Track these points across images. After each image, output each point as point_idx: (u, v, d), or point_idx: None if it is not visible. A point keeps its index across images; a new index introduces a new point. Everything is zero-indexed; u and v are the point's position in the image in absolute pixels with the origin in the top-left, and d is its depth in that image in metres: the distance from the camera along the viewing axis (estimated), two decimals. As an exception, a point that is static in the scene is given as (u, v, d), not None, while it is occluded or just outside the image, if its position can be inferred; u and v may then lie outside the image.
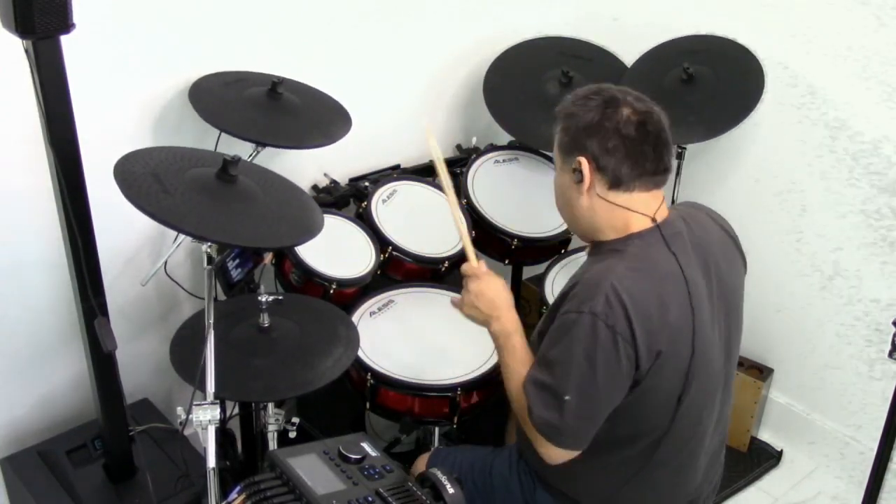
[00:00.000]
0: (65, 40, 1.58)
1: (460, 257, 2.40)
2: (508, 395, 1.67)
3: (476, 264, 1.75)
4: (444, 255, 2.39)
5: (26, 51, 1.57)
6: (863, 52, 2.35)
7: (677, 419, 1.59)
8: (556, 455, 1.58)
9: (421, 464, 1.92)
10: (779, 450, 2.77)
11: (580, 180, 1.56)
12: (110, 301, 1.90)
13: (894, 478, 2.24)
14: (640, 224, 1.58)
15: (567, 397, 1.50)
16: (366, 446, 1.43)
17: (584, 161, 1.54)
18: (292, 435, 1.94)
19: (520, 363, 1.64)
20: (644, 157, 1.53)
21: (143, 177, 1.63)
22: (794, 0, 2.46)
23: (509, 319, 1.68)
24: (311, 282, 2.17)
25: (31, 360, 2.22)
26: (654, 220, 1.57)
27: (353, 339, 1.98)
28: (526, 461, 1.78)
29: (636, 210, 1.57)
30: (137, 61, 2.11)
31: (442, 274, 2.40)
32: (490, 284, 1.70)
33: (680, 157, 2.54)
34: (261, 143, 2.11)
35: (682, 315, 1.53)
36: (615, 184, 1.55)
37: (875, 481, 1.91)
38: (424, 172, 2.70)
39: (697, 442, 1.67)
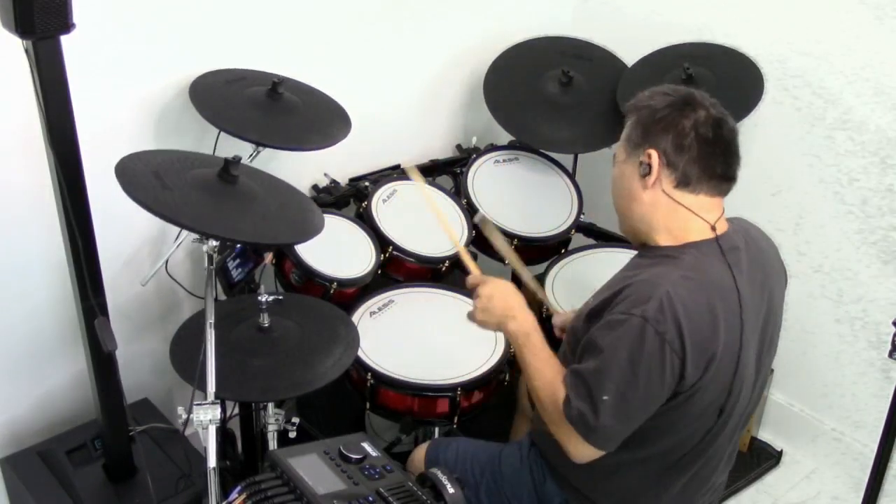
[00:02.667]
0: (65, 40, 1.58)
1: (460, 258, 2.40)
2: (533, 393, 1.63)
3: (478, 273, 1.74)
4: (444, 254, 2.39)
5: (26, 51, 1.57)
6: (863, 52, 2.35)
7: (712, 432, 1.58)
8: (585, 453, 1.54)
9: (419, 455, 1.91)
10: (779, 450, 2.77)
11: (646, 173, 1.54)
12: (110, 301, 1.90)
13: (894, 478, 2.24)
14: (698, 233, 1.55)
15: (605, 397, 1.46)
16: (366, 446, 1.43)
17: (654, 154, 1.53)
18: (292, 435, 1.94)
19: (543, 361, 1.61)
20: (715, 161, 1.53)
21: (144, 174, 1.63)
22: (795, 0, 2.46)
23: (525, 318, 1.65)
24: (312, 282, 2.17)
25: (31, 360, 2.22)
26: (713, 228, 1.55)
27: (353, 339, 1.98)
28: (540, 451, 1.77)
29: (699, 214, 1.54)
30: (137, 60, 2.11)
31: (442, 274, 2.40)
32: (499, 286, 1.68)
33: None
34: (260, 144, 2.11)
35: (731, 330, 1.51)
36: (683, 183, 1.53)
37: (875, 481, 1.90)
38: (424, 172, 2.69)
39: (721, 450, 1.67)
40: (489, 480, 1.80)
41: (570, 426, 1.51)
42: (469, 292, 2.31)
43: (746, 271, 1.57)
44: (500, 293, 1.67)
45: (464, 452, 1.86)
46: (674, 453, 1.60)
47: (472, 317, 1.72)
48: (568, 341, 1.66)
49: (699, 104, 1.53)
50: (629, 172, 1.57)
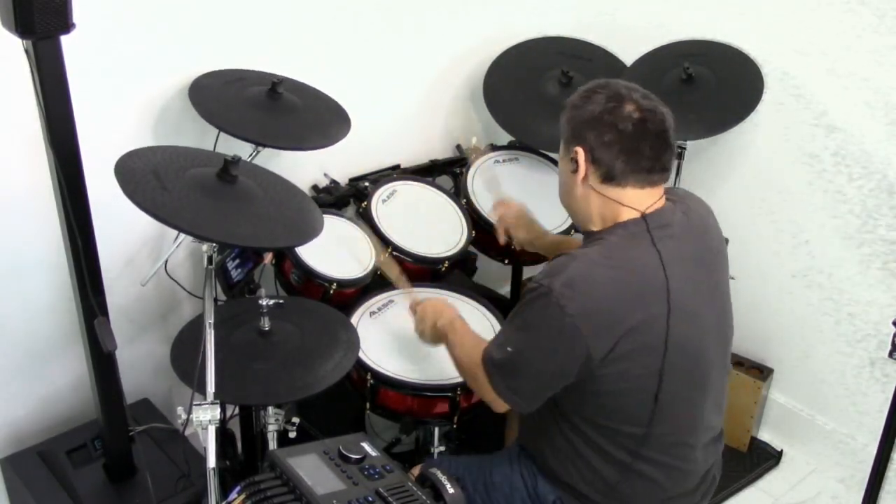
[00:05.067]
0: (65, 40, 1.58)
1: (460, 257, 2.41)
2: (456, 363, 1.82)
3: (413, 296, 2.03)
4: (444, 255, 2.39)
5: (26, 51, 1.57)
6: (863, 53, 2.35)
7: (658, 416, 1.59)
8: (492, 398, 1.66)
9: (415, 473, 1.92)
10: (779, 450, 2.77)
11: (575, 170, 1.60)
12: (110, 301, 1.90)
13: (895, 478, 2.24)
14: (628, 216, 1.60)
15: (509, 348, 1.61)
16: (366, 446, 1.43)
17: (580, 151, 1.58)
18: (292, 435, 1.94)
19: (468, 337, 1.80)
20: (639, 155, 1.55)
21: (143, 174, 1.63)
22: (794, 1, 2.46)
23: (450, 313, 1.88)
24: (312, 282, 2.17)
25: (32, 360, 2.22)
26: (643, 214, 1.59)
27: (353, 343, 1.98)
28: (528, 454, 1.79)
29: (626, 204, 1.59)
30: (137, 61, 2.11)
31: (442, 274, 2.40)
32: (430, 301, 1.95)
33: (680, 156, 2.54)
34: (260, 144, 2.11)
35: (654, 311, 1.54)
36: (607, 178, 1.58)
37: (875, 481, 1.90)
38: (424, 172, 2.70)
39: (691, 436, 1.67)
40: (482, 492, 1.81)
41: (483, 371, 1.66)
42: (468, 293, 2.34)
43: (685, 246, 1.60)
44: (429, 306, 1.93)
45: (454, 468, 1.87)
46: (629, 438, 1.62)
47: (419, 335, 1.96)
48: None
49: (627, 99, 1.55)
50: (563, 167, 1.65)
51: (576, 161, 1.59)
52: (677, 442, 1.65)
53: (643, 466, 1.64)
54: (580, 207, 1.65)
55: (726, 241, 1.77)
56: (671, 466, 1.67)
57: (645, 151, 1.55)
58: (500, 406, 1.67)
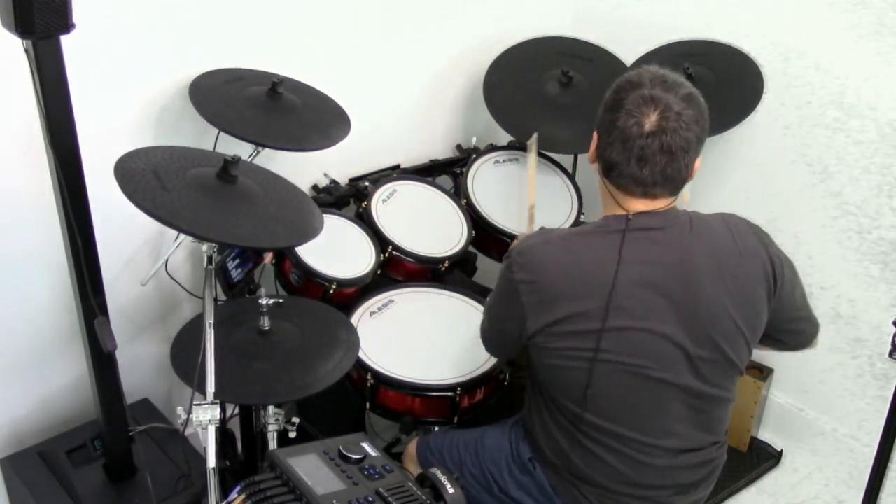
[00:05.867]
0: (65, 40, 1.58)
1: (460, 257, 2.41)
2: None
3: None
4: (444, 254, 2.39)
5: (26, 51, 1.57)
6: (863, 53, 2.35)
7: (590, 403, 1.63)
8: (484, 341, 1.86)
9: (411, 448, 1.99)
10: (779, 450, 2.77)
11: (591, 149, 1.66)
12: (110, 301, 1.90)
13: (895, 478, 2.24)
14: (616, 211, 1.64)
15: (487, 303, 1.82)
16: (366, 446, 1.43)
17: (595, 136, 1.64)
18: (292, 435, 1.94)
19: None
20: (631, 165, 1.56)
21: (143, 173, 1.63)
22: (794, 1, 2.46)
23: None
24: (312, 282, 2.17)
25: (31, 360, 2.22)
26: (628, 217, 1.61)
27: (353, 343, 1.98)
28: (519, 425, 1.87)
29: (619, 202, 1.62)
30: (137, 60, 2.11)
31: (442, 274, 2.40)
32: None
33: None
34: (260, 144, 2.11)
35: (592, 304, 1.57)
36: (605, 172, 1.63)
37: (875, 481, 1.90)
38: (424, 172, 2.70)
39: (636, 433, 1.65)
40: (472, 455, 1.88)
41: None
42: (468, 293, 2.34)
43: (658, 254, 1.59)
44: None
45: (452, 437, 1.95)
46: (566, 411, 1.68)
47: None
48: None
49: (650, 107, 1.53)
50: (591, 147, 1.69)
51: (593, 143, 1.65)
52: (620, 434, 1.66)
53: (587, 443, 1.68)
54: (600, 187, 1.69)
55: (774, 281, 1.67)
56: (619, 452, 1.67)
57: (639, 166, 1.55)
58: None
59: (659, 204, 1.61)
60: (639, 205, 1.61)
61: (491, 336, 1.83)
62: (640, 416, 1.66)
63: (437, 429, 2.18)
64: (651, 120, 1.53)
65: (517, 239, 2.02)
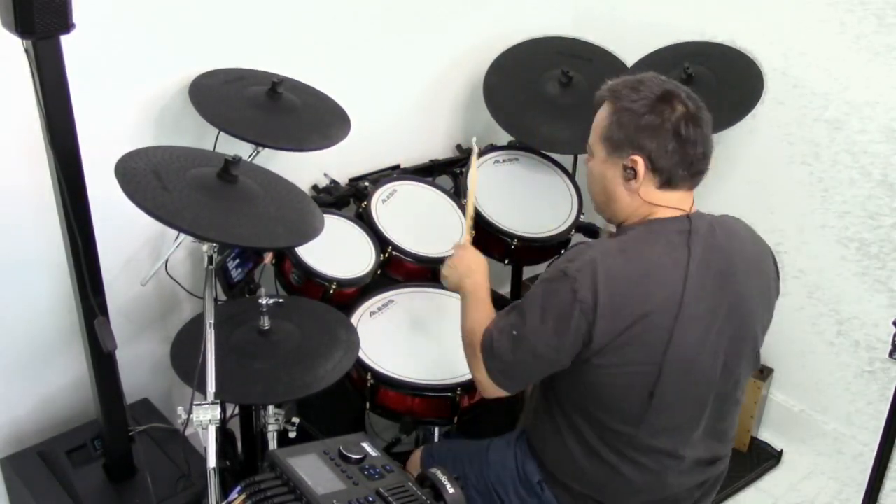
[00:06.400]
0: (65, 40, 1.58)
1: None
2: (462, 333, 1.78)
3: (467, 240, 1.96)
4: (444, 254, 2.37)
5: (26, 51, 1.57)
6: (863, 52, 2.35)
7: (650, 413, 1.59)
8: (485, 383, 1.67)
9: (415, 457, 1.95)
10: (779, 450, 2.77)
11: (631, 178, 1.57)
12: (110, 301, 1.90)
13: (895, 477, 2.24)
14: (666, 214, 1.59)
15: (514, 332, 1.60)
16: (366, 446, 1.43)
17: (639, 161, 1.55)
18: (292, 435, 1.94)
19: (480, 310, 1.76)
20: (694, 157, 1.54)
21: (144, 173, 1.63)
22: (794, 1, 2.46)
23: (481, 282, 1.82)
24: (312, 282, 2.17)
25: (31, 360, 2.22)
26: (688, 214, 1.58)
27: (353, 342, 1.98)
28: (526, 436, 1.82)
29: (672, 206, 1.58)
30: (137, 60, 2.11)
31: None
32: (472, 255, 1.89)
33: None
34: (260, 144, 2.11)
35: (662, 308, 1.53)
36: (666, 183, 1.56)
37: (875, 481, 1.91)
38: (424, 172, 2.70)
39: (681, 447, 1.65)
40: (476, 470, 1.84)
41: (482, 353, 1.66)
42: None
43: (706, 257, 1.57)
44: (469, 258, 1.88)
45: (456, 447, 1.92)
46: (613, 433, 1.62)
47: (442, 275, 1.92)
48: None
49: (677, 100, 1.53)
50: (611, 175, 1.60)
51: (633, 169, 1.55)
52: (661, 449, 1.64)
53: (621, 462, 1.65)
54: (619, 208, 1.63)
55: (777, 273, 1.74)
56: (649, 469, 1.66)
57: (699, 154, 1.54)
58: (487, 389, 1.69)
59: (689, 199, 1.61)
60: (687, 200, 1.59)
61: (512, 365, 1.63)
62: (686, 427, 1.65)
63: (437, 437, 2.19)
64: (685, 109, 1.53)
65: (455, 249, 1.93)
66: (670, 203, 1.58)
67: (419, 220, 2.45)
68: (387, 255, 2.32)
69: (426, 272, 2.38)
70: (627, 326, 1.52)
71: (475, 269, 1.84)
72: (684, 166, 1.54)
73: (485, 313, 1.75)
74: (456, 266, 1.87)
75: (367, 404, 2.13)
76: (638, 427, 1.60)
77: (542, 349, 1.57)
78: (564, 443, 1.69)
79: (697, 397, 1.63)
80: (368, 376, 2.08)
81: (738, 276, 1.61)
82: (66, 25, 1.54)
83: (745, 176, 2.72)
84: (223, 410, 1.67)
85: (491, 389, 1.67)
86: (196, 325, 1.93)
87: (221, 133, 2.14)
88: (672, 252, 1.55)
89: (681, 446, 1.66)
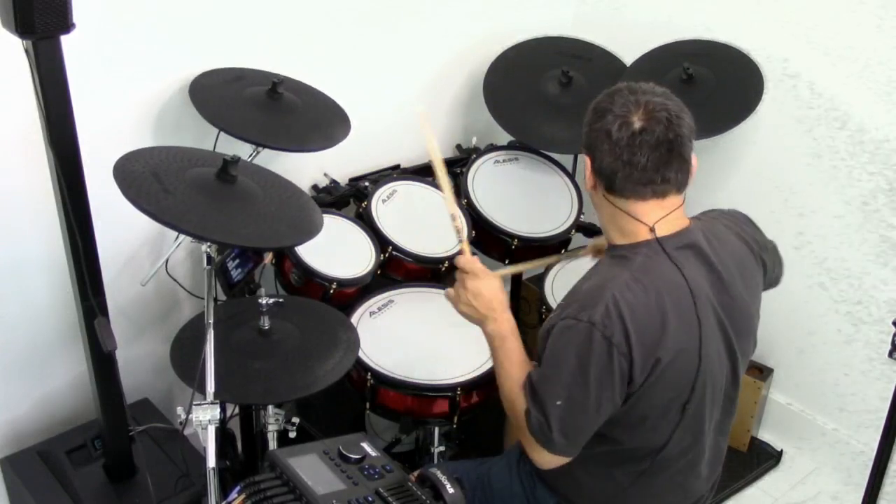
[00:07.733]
0: (65, 40, 1.58)
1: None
2: (502, 396, 1.66)
3: (470, 258, 1.71)
4: (444, 254, 2.39)
5: (26, 51, 1.57)
6: (863, 52, 2.35)
7: (680, 428, 1.58)
8: (547, 460, 1.58)
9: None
10: (779, 450, 2.77)
11: (586, 177, 1.58)
12: (110, 301, 1.90)
13: (895, 477, 2.24)
14: (645, 233, 1.54)
15: (558, 402, 1.50)
16: (366, 446, 1.43)
17: (587, 159, 1.56)
18: (292, 435, 1.95)
19: (516, 366, 1.63)
20: (632, 167, 1.49)
21: (143, 176, 1.63)
22: (794, 1, 2.46)
23: (505, 321, 1.66)
24: (312, 282, 2.17)
25: (31, 359, 2.22)
26: (651, 229, 1.54)
27: (353, 342, 1.98)
28: (527, 461, 1.77)
29: (633, 216, 1.54)
30: (137, 60, 2.11)
31: (442, 274, 2.40)
32: (488, 284, 1.67)
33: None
34: (260, 144, 2.11)
35: (686, 327, 1.52)
36: (608, 188, 1.54)
37: (875, 481, 1.90)
38: (424, 172, 2.69)
39: (699, 450, 1.66)
40: (480, 498, 1.80)
41: (532, 436, 1.55)
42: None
43: (701, 267, 1.56)
44: (487, 292, 1.66)
45: (457, 471, 1.85)
46: (642, 451, 1.61)
47: (451, 300, 1.72)
48: (542, 347, 1.62)
49: (634, 108, 1.49)
50: (586, 175, 1.60)
51: (586, 169, 1.57)
52: (687, 460, 1.65)
53: (646, 482, 1.64)
54: (600, 217, 1.62)
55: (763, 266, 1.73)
56: (675, 482, 1.67)
57: (641, 163, 1.49)
58: (550, 463, 1.59)
59: (672, 204, 1.55)
60: (654, 210, 1.53)
61: (574, 436, 1.54)
62: (704, 433, 1.65)
63: (437, 437, 2.18)
64: (638, 115, 1.49)
65: (458, 257, 1.72)
66: (628, 210, 1.53)
67: (419, 220, 2.45)
68: (387, 255, 2.32)
69: (426, 272, 2.39)
70: (660, 356, 1.49)
71: (496, 305, 1.66)
72: (623, 172, 1.49)
73: (518, 366, 1.63)
74: (472, 304, 1.67)
75: (367, 404, 2.13)
76: (668, 441, 1.59)
77: (593, 407, 1.50)
78: (585, 468, 1.63)
79: (715, 401, 1.64)
80: (368, 376, 2.08)
81: (730, 279, 1.60)
82: (66, 25, 1.54)
83: (746, 176, 2.72)
84: (223, 410, 1.67)
85: (556, 462, 1.59)
86: (196, 325, 1.93)
87: (221, 133, 2.14)
88: (672, 273, 1.53)
89: (700, 452, 1.66)
